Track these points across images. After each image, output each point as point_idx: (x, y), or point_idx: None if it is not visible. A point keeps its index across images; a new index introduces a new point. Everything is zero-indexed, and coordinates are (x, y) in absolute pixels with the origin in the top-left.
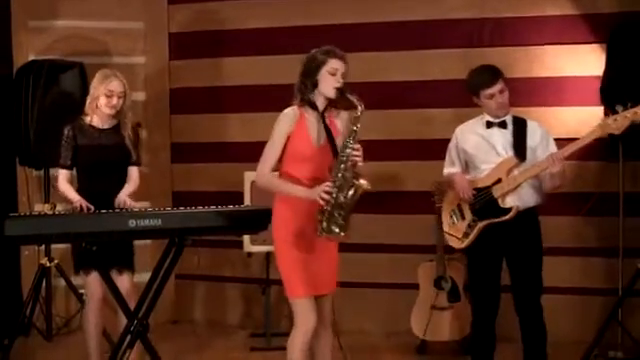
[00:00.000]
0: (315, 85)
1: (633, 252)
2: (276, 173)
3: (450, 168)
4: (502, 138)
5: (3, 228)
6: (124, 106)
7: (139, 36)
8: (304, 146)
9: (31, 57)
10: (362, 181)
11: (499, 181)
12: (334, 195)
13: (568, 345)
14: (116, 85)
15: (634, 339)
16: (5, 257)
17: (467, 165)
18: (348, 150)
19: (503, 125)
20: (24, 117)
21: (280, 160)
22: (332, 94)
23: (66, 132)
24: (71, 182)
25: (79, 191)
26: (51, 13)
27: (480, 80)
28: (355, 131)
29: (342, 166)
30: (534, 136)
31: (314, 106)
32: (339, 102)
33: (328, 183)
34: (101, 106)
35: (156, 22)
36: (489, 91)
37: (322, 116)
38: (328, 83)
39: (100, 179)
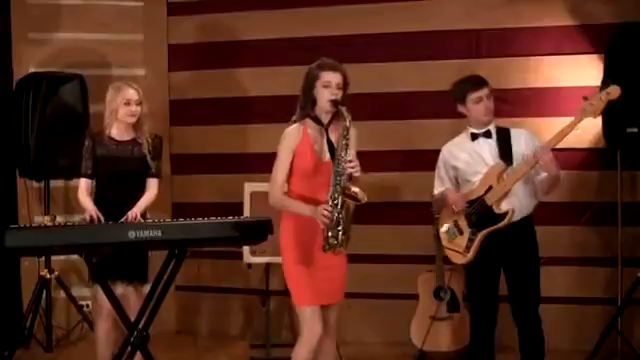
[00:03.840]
0: (314, 100)
1: (632, 261)
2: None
3: (440, 188)
4: (488, 147)
5: (3, 239)
6: (142, 116)
7: (139, 48)
8: (309, 162)
9: (31, 69)
10: (354, 189)
11: (490, 188)
12: (333, 212)
13: (567, 354)
14: (132, 93)
15: (634, 348)
16: (5, 269)
17: (457, 181)
18: (341, 165)
19: (488, 135)
20: (24, 129)
21: (289, 178)
22: (328, 107)
23: (86, 143)
24: (90, 191)
25: (96, 201)
26: (51, 25)
27: (467, 84)
28: (346, 144)
29: (337, 181)
30: (519, 141)
31: (318, 121)
32: (339, 115)
33: (327, 205)
34: (121, 117)
35: (156, 34)
36: (477, 94)
37: (326, 130)
38: (323, 96)
39: (117, 190)
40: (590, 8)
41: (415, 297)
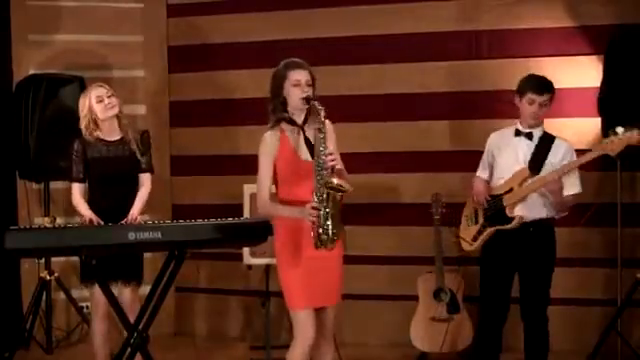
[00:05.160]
0: (285, 101)
1: (632, 262)
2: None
3: (481, 173)
4: (526, 148)
5: (3, 241)
6: (120, 112)
7: (138, 49)
8: (292, 164)
9: (31, 71)
10: (336, 181)
11: (511, 190)
12: (320, 208)
13: (567, 355)
14: (99, 90)
15: (633, 349)
16: (5, 270)
17: (493, 170)
18: (321, 158)
19: (529, 136)
20: (24, 131)
21: (276, 184)
22: (300, 105)
23: (75, 146)
24: (84, 195)
25: (90, 203)
26: (51, 27)
27: (531, 85)
28: (323, 138)
29: (319, 177)
30: (557, 152)
31: (293, 122)
32: (313, 111)
33: (313, 202)
34: (101, 114)
35: (155, 35)
36: (533, 97)
37: (302, 130)
38: (294, 96)
39: (111, 191)
40: (589, 9)
41: (415, 298)
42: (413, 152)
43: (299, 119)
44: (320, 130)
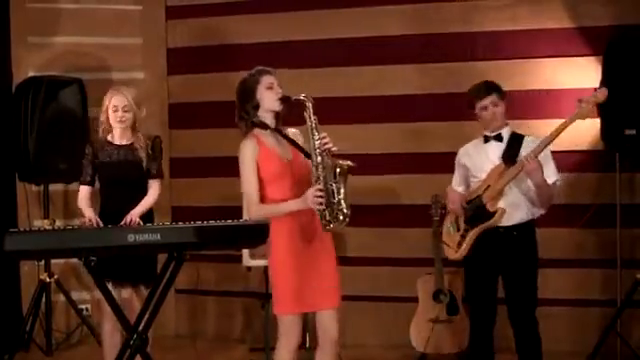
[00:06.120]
0: (257, 107)
1: (631, 263)
2: None
3: (454, 184)
4: (497, 149)
5: (3, 243)
6: (135, 122)
7: (138, 52)
8: (275, 165)
9: (30, 73)
10: (341, 161)
11: (488, 187)
12: (325, 189)
13: (566, 356)
14: (119, 99)
15: (633, 350)
16: (5, 272)
17: (468, 181)
18: (317, 142)
19: (498, 138)
20: (23, 133)
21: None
22: (277, 106)
23: (87, 150)
24: (92, 198)
25: (101, 207)
26: (50, 29)
27: (475, 93)
28: (315, 124)
29: (318, 159)
30: (528, 147)
31: (265, 126)
32: (286, 112)
33: (315, 186)
34: (111, 122)
35: (154, 37)
36: (482, 103)
37: (277, 131)
38: (270, 98)
39: (118, 194)
40: (588, 10)
41: (415, 300)
42: (412, 153)
43: (270, 123)
44: (309, 117)
